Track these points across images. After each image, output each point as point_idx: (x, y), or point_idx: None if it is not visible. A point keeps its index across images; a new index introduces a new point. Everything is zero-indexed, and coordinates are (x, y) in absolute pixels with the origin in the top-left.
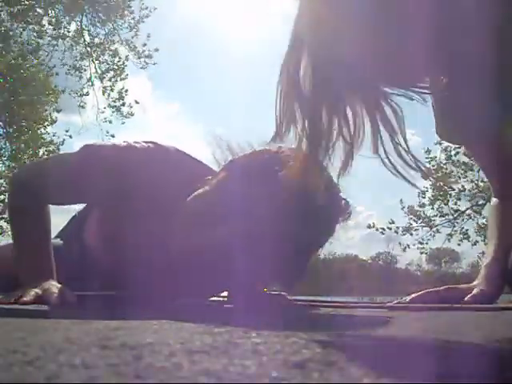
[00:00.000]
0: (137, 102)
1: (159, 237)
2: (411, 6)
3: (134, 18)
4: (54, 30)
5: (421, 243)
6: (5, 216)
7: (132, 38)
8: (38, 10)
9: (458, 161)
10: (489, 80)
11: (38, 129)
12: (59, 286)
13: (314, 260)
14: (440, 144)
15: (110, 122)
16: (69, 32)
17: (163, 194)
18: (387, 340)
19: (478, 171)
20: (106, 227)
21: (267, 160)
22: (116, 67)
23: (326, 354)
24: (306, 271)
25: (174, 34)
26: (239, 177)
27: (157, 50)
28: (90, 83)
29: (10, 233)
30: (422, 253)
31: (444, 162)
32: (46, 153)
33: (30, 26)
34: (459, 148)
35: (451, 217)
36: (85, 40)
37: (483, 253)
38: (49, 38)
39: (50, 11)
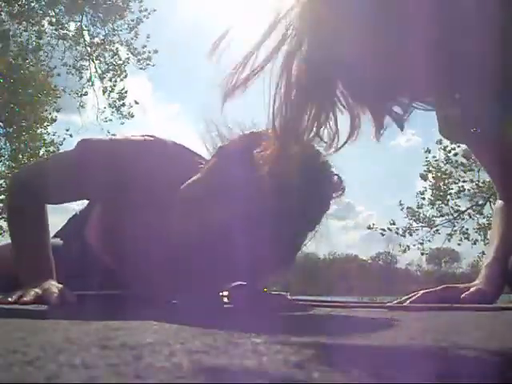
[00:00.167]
0: (136, 103)
1: (158, 228)
2: (411, 5)
3: (133, 20)
4: (56, 30)
5: (421, 244)
6: (5, 216)
7: (132, 39)
8: (38, 10)
9: (456, 161)
10: (489, 80)
11: (38, 129)
12: (59, 285)
13: (314, 260)
14: (440, 143)
15: (111, 120)
16: (69, 31)
17: (161, 185)
18: (387, 340)
19: (479, 171)
20: (105, 220)
21: (254, 143)
22: (116, 66)
23: (326, 354)
24: (301, 247)
25: (174, 35)
26: (230, 161)
27: (156, 51)
28: (90, 83)
29: (9, 233)
30: (422, 253)
31: (444, 162)
32: (46, 153)
33: (30, 26)
34: (458, 147)
35: (451, 217)
36: (85, 40)
37: (483, 252)
38: (48, 38)
39: (50, 11)
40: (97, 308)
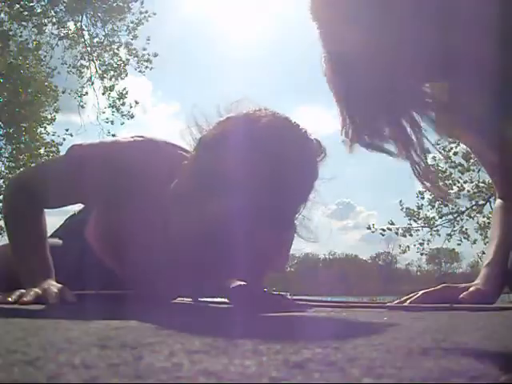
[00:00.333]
0: (137, 103)
1: (156, 226)
2: (411, 5)
3: (132, 22)
4: (58, 28)
5: (421, 244)
6: None
7: (132, 39)
8: (38, 10)
9: (454, 161)
10: (489, 80)
11: (38, 129)
12: (59, 285)
13: (314, 260)
14: (437, 144)
15: (112, 122)
16: (69, 31)
17: (156, 183)
18: (387, 340)
19: (478, 171)
20: (104, 220)
21: (232, 130)
22: (116, 66)
23: (326, 354)
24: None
25: (175, 35)
26: (212, 150)
27: (156, 55)
28: (90, 83)
29: (7, 234)
30: (422, 254)
31: (443, 162)
32: (46, 153)
33: (30, 25)
34: (457, 147)
35: (451, 217)
36: (85, 40)
37: (483, 252)
38: (48, 38)
39: (50, 11)
40: (97, 308)
